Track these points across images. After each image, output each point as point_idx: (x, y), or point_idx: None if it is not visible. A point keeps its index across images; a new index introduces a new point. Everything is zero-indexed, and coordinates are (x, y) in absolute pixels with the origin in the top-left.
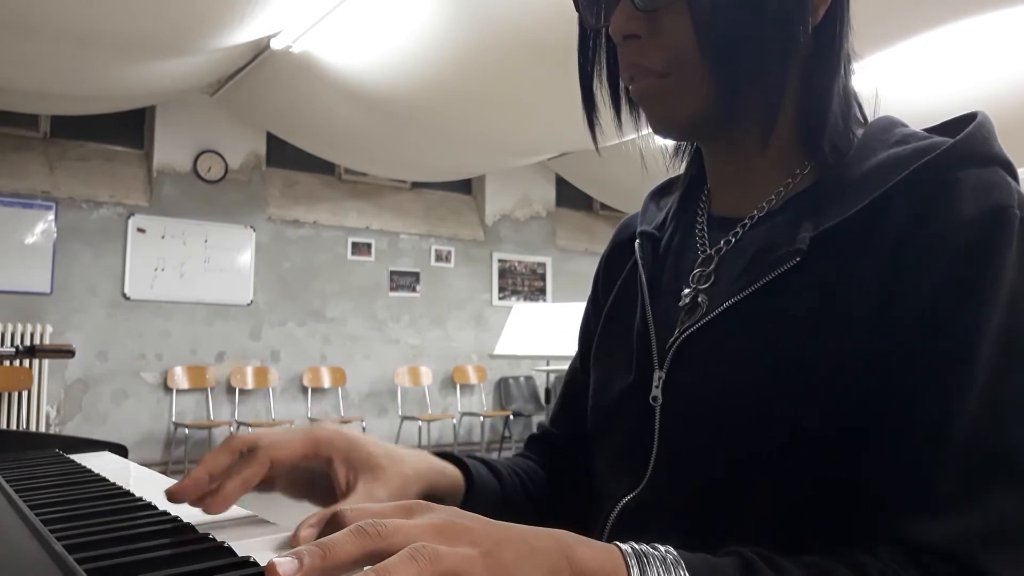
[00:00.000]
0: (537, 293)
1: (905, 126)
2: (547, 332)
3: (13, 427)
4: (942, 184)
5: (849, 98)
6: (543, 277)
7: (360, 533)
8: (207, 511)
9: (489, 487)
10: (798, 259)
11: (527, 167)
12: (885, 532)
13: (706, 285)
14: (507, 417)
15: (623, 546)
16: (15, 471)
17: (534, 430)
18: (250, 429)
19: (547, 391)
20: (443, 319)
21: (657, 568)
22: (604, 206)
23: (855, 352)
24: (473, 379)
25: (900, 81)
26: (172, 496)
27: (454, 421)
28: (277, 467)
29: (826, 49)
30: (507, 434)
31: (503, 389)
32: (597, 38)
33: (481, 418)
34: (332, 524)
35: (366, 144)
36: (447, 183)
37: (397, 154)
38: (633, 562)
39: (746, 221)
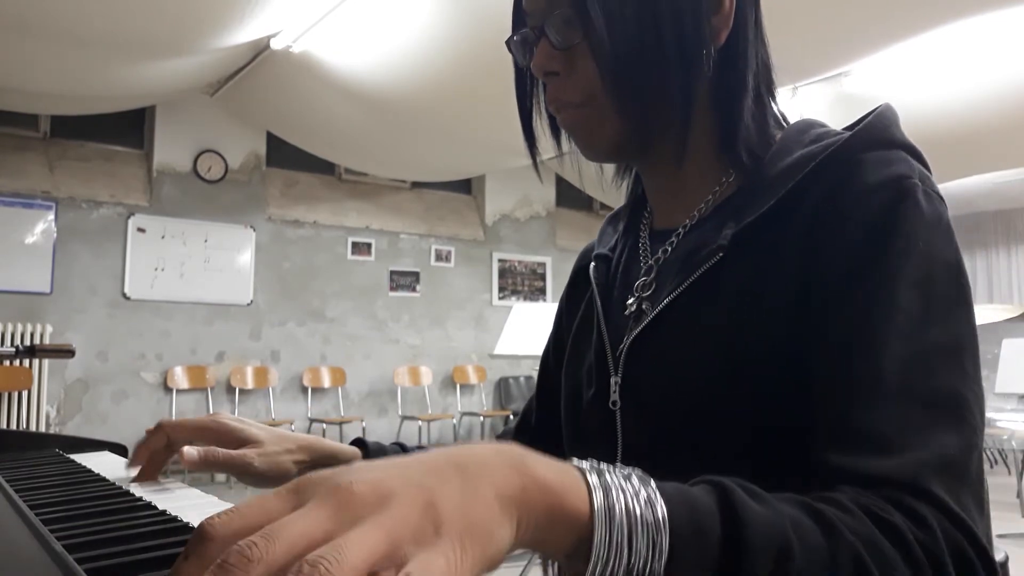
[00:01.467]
0: (537, 293)
1: (823, 126)
2: (547, 332)
3: (13, 427)
4: (847, 166)
5: (764, 107)
6: (543, 277)
7: (224, 569)
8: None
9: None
10: (721, 255)
11: (527, 167)
12: (843, 475)
13: (648, 293)
14: (507, 417)
15: (582, 462)
16: (15, 471)
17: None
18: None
19: None
20: (443, 319)
21: (627, 489)
22: (604, 206)
23: (787, 337)
24: (473, 379)
25: (900, 81)
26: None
27: (454, 421)
28: (174, 438)
29: (731, 68)
30: None
31: (503, 389)
32: (532, 74)
33: (481, 418)
34: (196, 541)
35: (366, 144)
36: (447, 183)
37: (397, 154)
38: (593, 477)
39: (680, 230)
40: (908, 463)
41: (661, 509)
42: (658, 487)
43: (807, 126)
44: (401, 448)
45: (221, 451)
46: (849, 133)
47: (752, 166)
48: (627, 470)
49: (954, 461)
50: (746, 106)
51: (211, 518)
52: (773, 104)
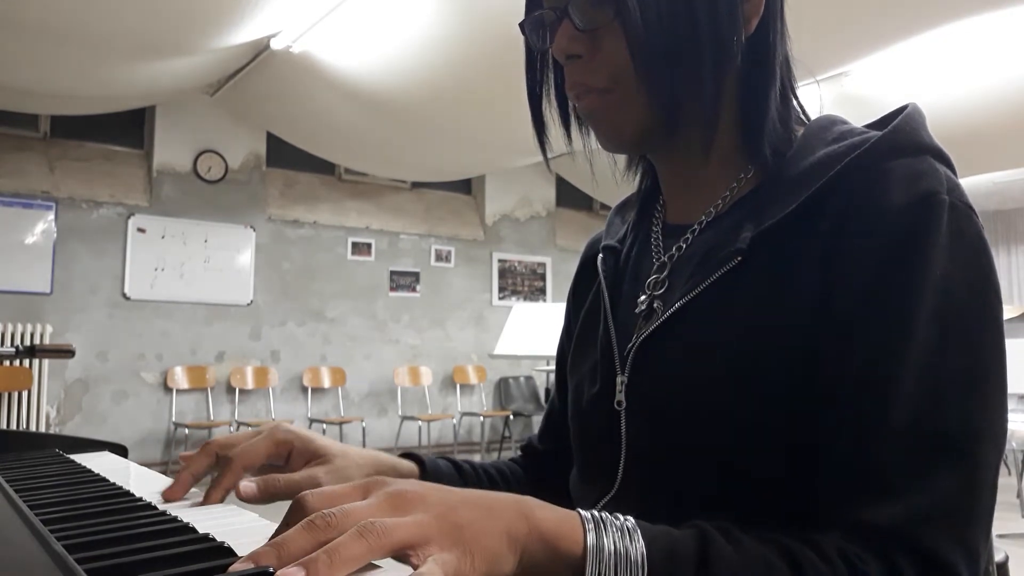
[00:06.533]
0: (537, 293)
1: (844, 123)
2: (547, 332)
3: (13, 427)
4: (873, 175)
5: (788, 100)
6: (543, 277)
7: (310, 527)
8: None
9: (446, 479)
10: (739, 259)
11: (527, 167)
12: (836, 516)
13: (661, 291)
14: (507, 417)
15: (583, 512)
16: (15, 471)
17: (534, 431)
18: (250, 430)
19: (547, 391)
20: (443, 319)
21: (612, 534)
22: (604, 206)
23: (800, 347)
24: (473, 379)
25: (900, 81)
26: (168, 498)
27: (454, 421)
28: (248, 470)
29: (761, 58)
30: (507, 434)
31: (503, 389)
32: (543, 58)
33: (481, 418)
34: (294, 510)
35: (366, 144)
36: (447, 183)
37: (397, 154)
38: (591, 526)
39: (695, 227)
40: (904, 511)
41: (641, 550)
42: (644, 532)
43: (829, 123)
44: (452, 464)
45: (282, 478)
46: (874, 134)
47: (773, 163)
48: (622, 518)
49: (955, 505)
50: (773, 98)
51: (306, 493)
52: (795, 99)
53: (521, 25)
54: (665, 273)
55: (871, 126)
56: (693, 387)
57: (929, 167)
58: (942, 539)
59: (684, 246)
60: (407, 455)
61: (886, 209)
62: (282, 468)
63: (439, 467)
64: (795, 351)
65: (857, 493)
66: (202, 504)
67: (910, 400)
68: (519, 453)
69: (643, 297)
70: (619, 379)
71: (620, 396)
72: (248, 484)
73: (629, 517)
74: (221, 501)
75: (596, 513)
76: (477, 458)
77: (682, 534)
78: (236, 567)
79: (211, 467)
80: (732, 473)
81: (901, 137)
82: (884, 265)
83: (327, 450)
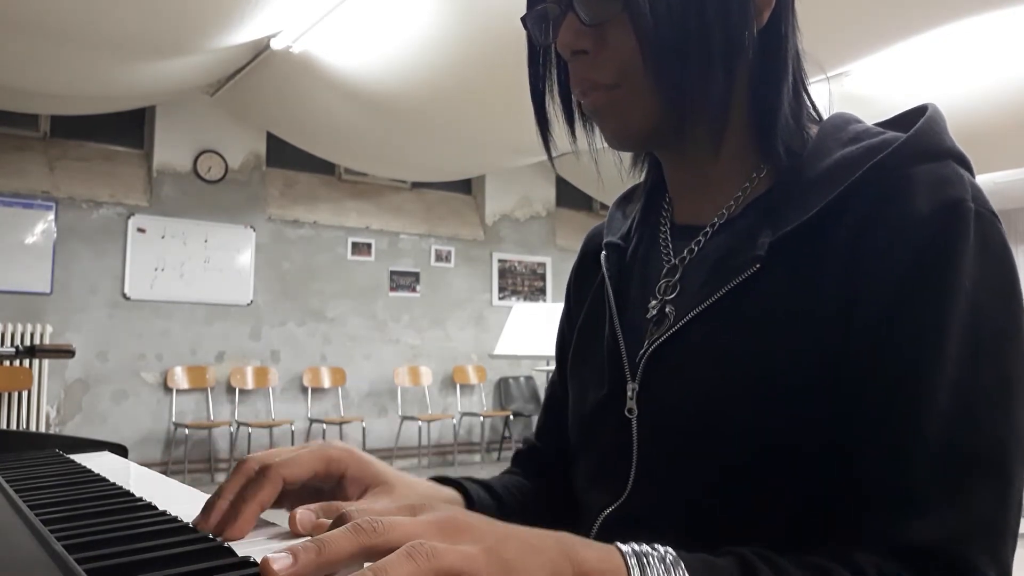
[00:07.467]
0: (537, 293)
1: (859, 122)
2: (547, 332)
3: (13, 427)
4: (895, 181)
5: (800, 97)
6: (543, 277)
7: (356, 530)
8: (228, 537)
9: (487, 508)
10: (758, 266)
11: (527, 167)
12: (873, 534)
13: (672, 295)
14: (507, 417)
15: (623, 547)
16: (15, 471)
17: (533, 431)
18: (250, 430)
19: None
20: (443, 319)
21: (656, 568)
22: (604, 206)
23: (820, 355)
24: (473, 379)
25: (900, 81)
26: (200, 527)
27: (454, 421)
28: (289, 485)
29: (772, 51)
30: (507, 434)
31: (503, 389)
32: (547, 54)
33: (481, 418)
34: (336, 524)
35: (366, 144)
36: (447, 183)
37: (397, 154)
38: (633, 562)
39: (707, 229)
40: (943, 530)
41: None
42: (688, 565)
43: (844, 122)
44: (489, 492)
45: (348, 511)
46: (891, 135)
47: (787, 162)
48: (662, 550)
49: (994, 520)
50: (785, 93)
51: (349, 508)
52: (806, 94)
53: (523, 20)
54: (677, 277)
55: (885, 125)
56: (708, 396)
57: (953, 173)
58: (979, 557)
59: (696, 249)
60: (446, 480)
61: (911, 216)
62: (331, 494)
63: (482, 501)
64: (814, 358)
65: (894, 511)
66: (236, 524)
67: (944, 416)
68: (512, 462)
69: (654, 302)
70: (629, 386)
71: (631, 404)
72: (306, 512)
73: (669, 549)
74: (256, 517)
75: (636, 547)
76: (477, 458)
77: (724, 563)
78: (271, 556)
79: (246, 486)
80: (745, 481)
81: (924, 141)
82: (911, 275)
83: (384, 475)
